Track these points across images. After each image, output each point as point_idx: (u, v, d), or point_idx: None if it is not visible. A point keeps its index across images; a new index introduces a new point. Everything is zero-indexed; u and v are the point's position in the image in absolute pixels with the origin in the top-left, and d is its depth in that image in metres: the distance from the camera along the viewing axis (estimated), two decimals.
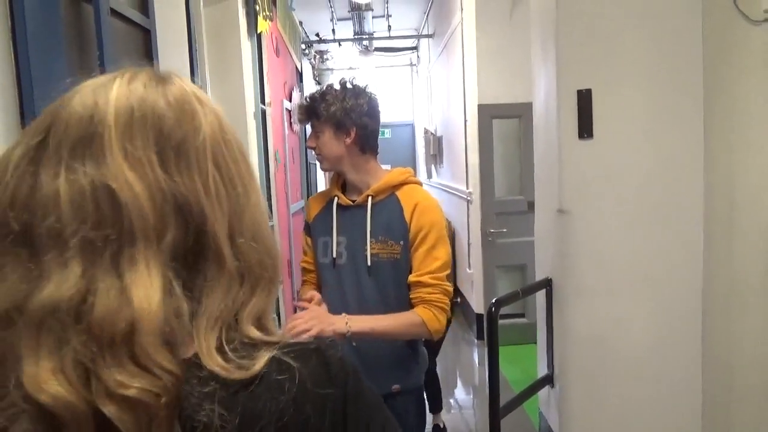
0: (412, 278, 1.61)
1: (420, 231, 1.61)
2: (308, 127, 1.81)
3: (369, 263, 1.66)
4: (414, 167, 10.01)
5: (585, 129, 2.38)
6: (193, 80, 2.52)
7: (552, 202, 2.56)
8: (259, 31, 4.17)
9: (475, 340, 4.85)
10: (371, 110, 1.72)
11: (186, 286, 0.51)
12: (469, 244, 4.98)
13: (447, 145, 6.21)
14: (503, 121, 4.54)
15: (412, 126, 10.10)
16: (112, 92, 0.52)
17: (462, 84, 4.91)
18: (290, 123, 5.45)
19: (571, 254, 2.49)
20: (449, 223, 5.81)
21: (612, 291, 2.45)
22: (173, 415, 0.47)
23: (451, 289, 1.64)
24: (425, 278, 1.59)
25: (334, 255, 1.71)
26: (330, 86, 1.75)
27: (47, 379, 0.44)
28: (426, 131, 7.41)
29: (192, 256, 0.52)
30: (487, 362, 2.32)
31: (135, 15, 2.04)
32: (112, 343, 0.45)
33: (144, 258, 0.48)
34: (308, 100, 1.75)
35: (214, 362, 0.49)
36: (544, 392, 2.82)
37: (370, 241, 1.66)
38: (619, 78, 2.35)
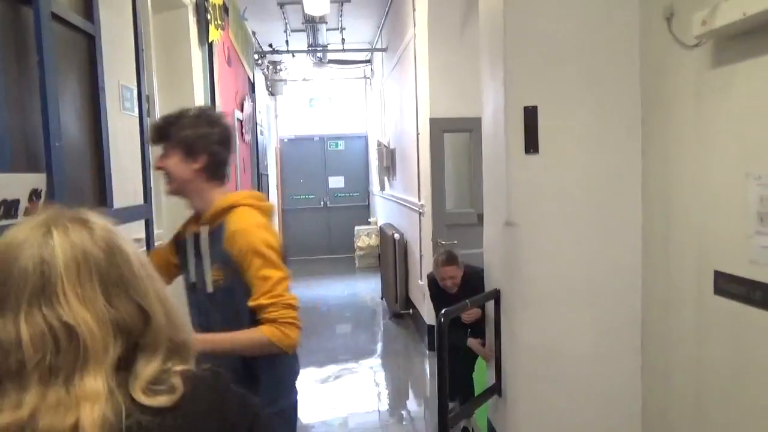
0: (251, 304, 1.60)
1: (240, 256, 1.61)
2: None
3: (211, 290, 1.69)
4: (367, 179, 10.05)
5: (531, 144, 2.45)
6: (139, 88, 2.46)
7: (500, 215, 2.62)
8: (210, 40, 4.13)
9: (427, 351, 4.88)
10: (223, 139, 1.74)
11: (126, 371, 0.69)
12: (421, 256, 5.02)
13: (400, 157, 6.27)
14: (454, 135, 4.62)
15: (365, 138, 10.15)
16: (56, 247, 0.67)
17: (414, 98, 4.98)
18: (242, 133, 5.39)
19: (518, 266, 2.55)
20: (402, 235, 5.85)
21: (557, 301, 2.52)
22: None
23: (293, 300, 1.61)
24: (261, 300, 1.58)
25: (192, 279, 1.76)
26: (186, 111, 1.74)
27: None
28: (379, 144, 7.46)
29: (132, 350, 0.70)
30: (437, 373, 2.34)
31: (78, 20, 1.99)
32: None
33: (93, 372, 0.64)
34: (162, 120, 1.76)
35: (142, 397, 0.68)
36: (492, 400, 2.87)
37: (212, 268, 1.68)
38: (563, 96, 2.44)
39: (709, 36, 1.85)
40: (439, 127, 4.47)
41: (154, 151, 1.93)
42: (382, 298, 6.76)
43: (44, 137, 1.60)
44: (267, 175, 7.63)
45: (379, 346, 5.31)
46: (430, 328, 4.79)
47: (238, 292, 1.63)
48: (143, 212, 2.43)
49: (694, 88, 2.06)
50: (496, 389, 2.76)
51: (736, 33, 1.74)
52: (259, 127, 6.69)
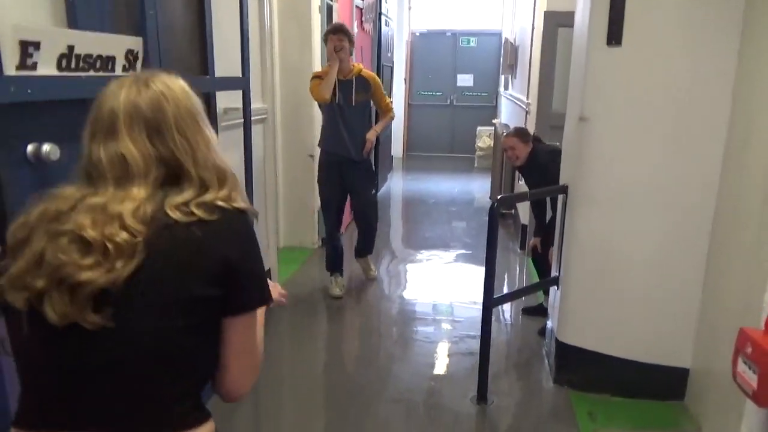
0: (383, 104, 3.86)
1: (375, 86, 3.77)
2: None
3: (354, 104, 3.67)
4: (497, 79, 9.76)
5: (614, 36, 2.34)
6: None
7: (576, 110, 2.58)
8: None
9: (519, 250, 4.98)
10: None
11: (173, 192, 0.98)
12: None
13: (521, 55, 6.05)
14: (570, 31, 4.37)
15: (499, 36, 9.73)
16: (120, 101, 0.97)
17: None
18: (361, 22, 5.50)
19: (587, 162, 2.54)
20: None
21: (622, 202, 2.50)
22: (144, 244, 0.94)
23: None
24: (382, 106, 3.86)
25: (341, 102, 3.65)
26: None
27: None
28: (506, 41, 7.19)
29: (176, 179, 0.99)
30: (486, 256, 2.48)
31: None
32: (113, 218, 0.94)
33: (138, 185, 0.95)
34: (344, 26, 3.65)
35: (174, 212, 0.95)
36: (552, 290, 2.97)
37: (357, 93, 3.68)
38: None
39: None
40: (554, 21, 4.26)
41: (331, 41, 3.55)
42: (490, 198, 6.83)
43: (140, 5, 1.88)
44: (390, 67, 7.72)
45: (475, 240, 5.47)
46: (524, 227, 4.85)
47: (367, 105, 3.77)
48: (240, 84, 2.73)
49: None
50: (554, 281, 2.85)
51: None
52: (384, 18, 6.73)
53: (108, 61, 1.72)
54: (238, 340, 1.02)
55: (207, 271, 0.95)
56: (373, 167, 4.25)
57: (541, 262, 3.44)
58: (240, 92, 2.77)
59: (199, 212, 0.96)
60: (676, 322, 2.54)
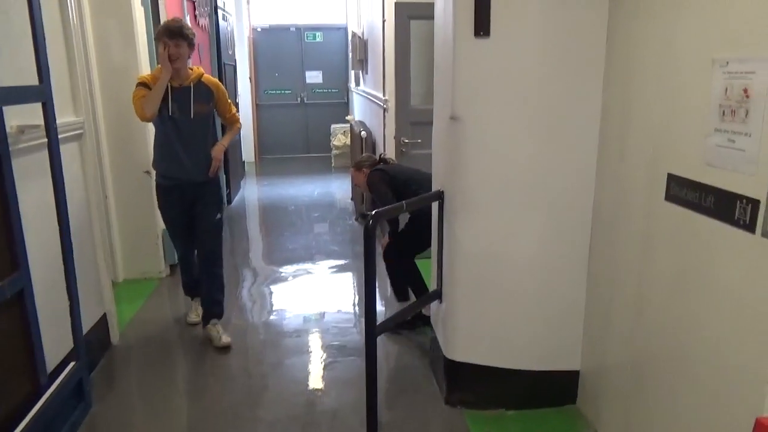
0: (228, 116, 3.25)
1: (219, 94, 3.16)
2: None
3: (192, 116, 3.02)
4: (347, 74, 9.55)
5: (481, 26, 2.14)
6: None
7: (446, 109, 2.35)
8: None
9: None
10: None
11: None
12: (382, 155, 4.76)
13: (371, 49, 5.84)
14: (423, 24, 4.21)
15: (345, 30, 9.52)
16: None
17: None
18: (194, 17, 4.92)
19: (462, 164, 2.32)
20: (370, 133, 5.57)
21: (502, 204, 2.33)
22: None
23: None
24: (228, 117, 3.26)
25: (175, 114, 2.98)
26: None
27: None
28: (353, 35, 6.96)
29: None
30: (364, 278, 2.16)
31: None
32: None
33: None
34: (183, 25, 2.93)
35: None
36: (434, 305, 2.75)
37: (197, 103, 3.02)
38: None
39: None
40: (405, 13, 4.07)
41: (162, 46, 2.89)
42: (351, 199, 6.59)
43: None
44: (233, 66, 7.15)
45: (343, 247, 5.19)
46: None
47: (210, 117, 3.12)
48: (37, 94, 2.14)
49: None
50: (436, 295, 2.63)
51: None
52: (221, 12, 6.16)
53: None
54: None
55: None
56: (221, 187, 3.75)
57: (401, 272, 3.46)
58: (38, 105, 2.17)
59: None
60: (563, 324, 2.43)
